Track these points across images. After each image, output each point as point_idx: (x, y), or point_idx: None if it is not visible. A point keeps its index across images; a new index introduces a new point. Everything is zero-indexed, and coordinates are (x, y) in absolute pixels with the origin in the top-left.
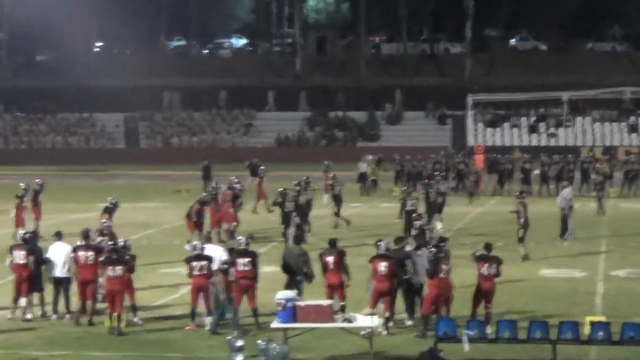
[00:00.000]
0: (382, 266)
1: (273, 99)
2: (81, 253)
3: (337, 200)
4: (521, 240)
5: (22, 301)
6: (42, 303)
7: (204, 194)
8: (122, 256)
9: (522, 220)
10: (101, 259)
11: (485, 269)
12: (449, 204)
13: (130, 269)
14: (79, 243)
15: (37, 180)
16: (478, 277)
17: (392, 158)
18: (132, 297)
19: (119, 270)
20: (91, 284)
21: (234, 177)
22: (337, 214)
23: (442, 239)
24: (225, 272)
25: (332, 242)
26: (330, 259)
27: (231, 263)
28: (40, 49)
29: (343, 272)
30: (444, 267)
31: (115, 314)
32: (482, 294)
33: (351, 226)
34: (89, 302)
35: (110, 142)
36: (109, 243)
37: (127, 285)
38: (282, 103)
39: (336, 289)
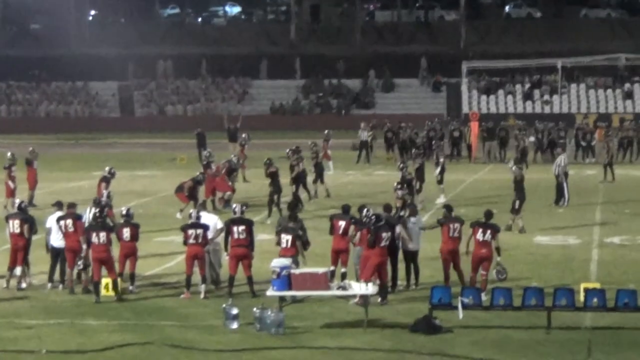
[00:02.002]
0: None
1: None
2: (66, 222)
3: (319, 169)
4: (516, 212)
5: (17, 270)
6: (27, 274)
7: (198, 173)
8: (106, 223)
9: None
10: (85, 226)
11: (480, 235)
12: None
13: (134, 237)
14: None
15: (30, 149)
16: (474, 243)
17: (382, 125)
18: (133, 265)
19: (102, 237)
20: (77, 251)
21: (233, 156)
22: (322, 182)
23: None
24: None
25: (346, 208)
26: (341, 224)
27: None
28: (34, 17)
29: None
30: (383, 235)
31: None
32: (478, 261)
33: (350, 194)
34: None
35: (105, 111)
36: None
37: (132, 253)
38: (277, 71)
39: (341, 255)
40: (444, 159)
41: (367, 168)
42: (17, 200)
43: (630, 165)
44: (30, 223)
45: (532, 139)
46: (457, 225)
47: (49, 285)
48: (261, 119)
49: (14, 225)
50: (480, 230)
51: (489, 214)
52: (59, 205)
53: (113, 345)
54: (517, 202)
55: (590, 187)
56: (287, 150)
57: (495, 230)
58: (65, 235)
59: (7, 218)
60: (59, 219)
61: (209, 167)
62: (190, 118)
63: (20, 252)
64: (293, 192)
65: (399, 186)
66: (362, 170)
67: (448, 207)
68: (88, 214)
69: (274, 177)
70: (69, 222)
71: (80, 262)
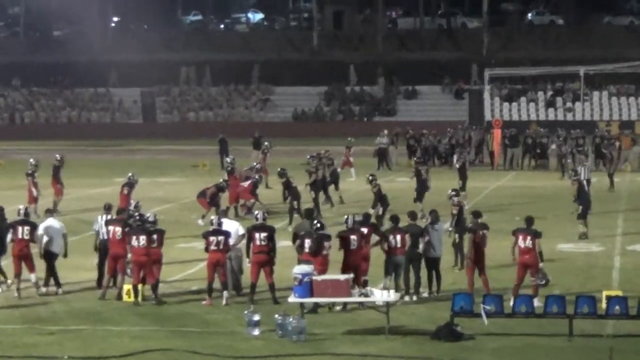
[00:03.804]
0: (353, 240)
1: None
2: (111, 228)
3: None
4: (580, 216)
5: (32, 277)
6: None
7: (221, 180)
8: (146, 226)
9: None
10: (126, 229)
11: (521, 242)
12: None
13: (159, 243)
14: (107, 217)
15: (57, 156)
16: (518, 250)
17: (404, 132)
18: (158, 271)
19: (142, 240)
20: (121, 258)
21: (256, 164)
22: (337, 189)
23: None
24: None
25: (367, 217)
26: (364, 231)
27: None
28: (57, 24)
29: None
30: (326, 244)
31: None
32: (523, 267)
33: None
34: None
35: (127, 117)
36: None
37: (157, 260)
38: (299, 78)
39: (362, 262)
40: (464, 165)
41: (389, 175)
42: (32, 207)
43: None
44: (34, 229)
45: (554, 146)
46: (485, 232)
47: (43, 289)
48: (283, 125)
49: (24, 232)
50: (521, 236)
51: (530, 220)
52: (50, 212)
53: (134, 352)
54: (580, 208)
55: (613, 194)
56: (308, 157)
57: (536, 236)
58: (112, 242)
59: (15, 224)
60: (107, 223)
61: (232, 173)
62: (213, 124)
63: (28, 259)
64: (313, 198)
65: (453, 192)
66: (383, 177)
67: (475, 213)
68: (100, 221)
69: (288, 185)
70: (118, 229)
71: (128, 270)
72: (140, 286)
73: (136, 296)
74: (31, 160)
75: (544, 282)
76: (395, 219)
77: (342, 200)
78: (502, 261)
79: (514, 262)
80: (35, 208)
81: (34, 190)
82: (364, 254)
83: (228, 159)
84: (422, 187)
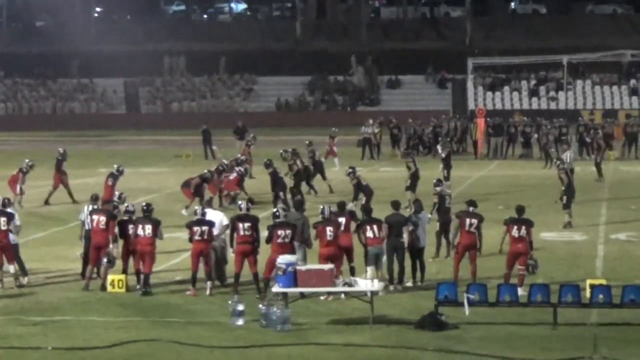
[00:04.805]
0: (329, 231)
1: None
2: (95, 217)
3: (318, 166)
4: (565, 206)
5: (10, 268)
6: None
7: (205, 171)
8: (152, 216)
9: (563, 188)
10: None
11: (515, 231)
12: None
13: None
14: (91, 207)
15: (59, 149)
16: (510, 239)
17: (388, 122)
18: (137, 263)
19: (148, 229)
20: (103, 248)
21: (240, 155)
22: (324, 178)
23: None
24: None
25: (342, 205)
26: (341, 220)
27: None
28: (40, 14)
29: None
30: (279, 232)
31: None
32: (514, 256)
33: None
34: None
35: (110, 108)
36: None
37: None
38: (282, 68)
39: (347, 251)
40: (449, 155)
41: (373, 164)
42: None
43: (637, 162)
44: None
45: (537, 135)
46: (474, 220)
47: (25, 280)
48: (267, 115)
49: (2, 223)
50: (515, 226)
51: (520, 210)
52: (94, 199)
53: (119, 342)
54: (565, 198)
55: (596, 183)
56: (281, 152)
57: (530, 225)
58: (94, 231)
59: None
60: (91, 213)
61: (222, 173)
62: (196, 115)
63: (8, 250)
64: (291, 187)
65: (437, 182)
66: (367, 166)
67: (470, 202)
68: (87, 211)
69: (275, 176)
70: (102, 218)
71: (105, 259)
72: (123, 276)
73: (138, 282)
74: (27, 160)
75: (537, 270)
76: (367, 210)
77: (331, 189)
78: (486, 250)
79: (499, 252)
80: (20, 199)
81: (21, 186)
82: (345, 244)
83: (222, 160)
84: (414, 178)
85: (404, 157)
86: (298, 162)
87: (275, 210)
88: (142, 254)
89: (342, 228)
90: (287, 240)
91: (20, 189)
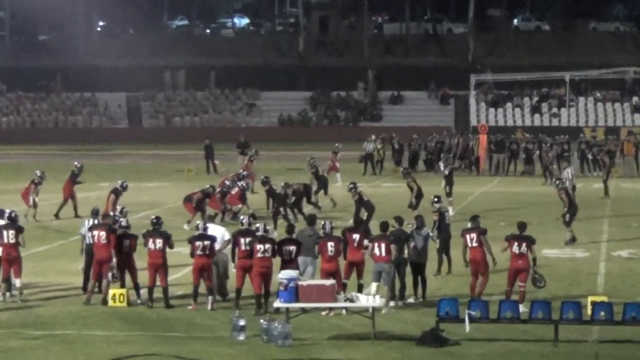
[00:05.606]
0: (330, 246)
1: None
2: (95, 232)
3: (322, 181)
4: (567, 224)
5: (17, 282)
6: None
7: (207, 185)
8: (162, 230)
9: (565, 208)
10: (143, 231)
11: (516, 248)
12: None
13: (134, 247)
14: (92, 222)
15: (76, 163)
16: (510, 256)
17: (389, 138)
18: (135, 275)
19: (159, 243)
20: (106, 263)
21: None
22: (325, 193)
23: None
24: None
25: (358, 221)
26: (355, 236)
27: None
28: (43, 28)
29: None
30: (259, 247)
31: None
32: (515, 273)
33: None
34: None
35: (112, 122)
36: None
37: (132, 264)
38: (285, 83)
39: (358, 266)
40: (452, 171)
41: (375, 180)
42: (7, 210)
43: (638, 179)
44: (21, 233)
45: (539, 152)
46: (473, 234)
47: (7, 294)
48: (269, 130)
49: (10, 236)
50: (516, 243)
51: (522, 226)
52: (95, 213)
53: (120, 357)
54: (568, 216)
55: (597, 200)
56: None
57: (531, 242)
58: (96, 246)
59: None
60: (91, 229)
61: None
62: (198, 129)
63: (16, 263)
64: (290, 205)
65: (435, 199)
66: (369, 182)
67: (470, 218)
68: (87, 225)
69: (272, 193)
70: (102, 233)
71: (110, 274)
72: (124, 291)
73: (151, 299)
74: (37, 172)
75: (542, 284)
76: (384, 226)
77: (334, 203)
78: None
79: (494, 267)
80: (34, 212)
81: (35, 198)
82: (356, 260)
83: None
84: (419, 197)
85: (404, 178)
86: (293, 186)
87: (257, 225)
88: (155, 267)
89: (356, 244)
90: (249, 247)
91: (34, 200)
